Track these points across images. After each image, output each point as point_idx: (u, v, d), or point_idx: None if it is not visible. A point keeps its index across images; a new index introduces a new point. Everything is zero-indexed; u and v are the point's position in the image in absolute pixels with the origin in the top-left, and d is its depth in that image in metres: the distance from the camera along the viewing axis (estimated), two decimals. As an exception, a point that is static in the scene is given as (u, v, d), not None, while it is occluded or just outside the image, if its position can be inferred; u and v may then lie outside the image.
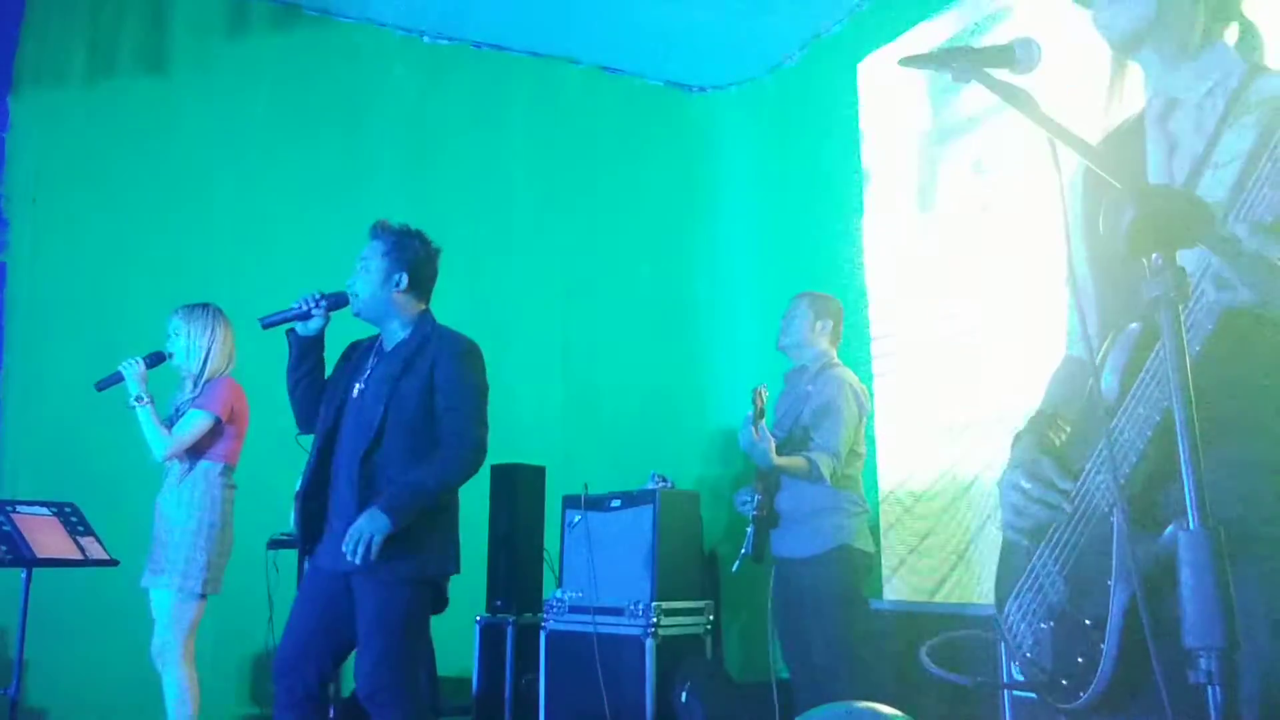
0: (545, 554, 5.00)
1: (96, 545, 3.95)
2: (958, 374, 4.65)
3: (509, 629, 4.81)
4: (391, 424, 2.95)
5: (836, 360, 3.87)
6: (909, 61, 1.34)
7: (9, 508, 3.87)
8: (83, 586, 4.26)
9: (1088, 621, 1.44)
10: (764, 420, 3.58)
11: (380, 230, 3.14)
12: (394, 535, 2.82)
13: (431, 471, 2.93)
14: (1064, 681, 1.47)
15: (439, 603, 3.07)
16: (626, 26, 6.04)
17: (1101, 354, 1.45)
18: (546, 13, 5.91)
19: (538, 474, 5.13)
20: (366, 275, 3.08)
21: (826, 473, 3.59)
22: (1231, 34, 1.49)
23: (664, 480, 4.81)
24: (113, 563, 3.96)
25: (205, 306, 4.01)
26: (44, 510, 3.96)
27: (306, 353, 3.13)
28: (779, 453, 3.60)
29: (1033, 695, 1.60)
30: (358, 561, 2.80)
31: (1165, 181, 1.44)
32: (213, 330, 3.95)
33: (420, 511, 2.89)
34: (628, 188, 6.43)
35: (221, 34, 5.63)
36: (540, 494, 5.10)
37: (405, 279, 3.06)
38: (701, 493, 4.88)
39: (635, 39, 6.18)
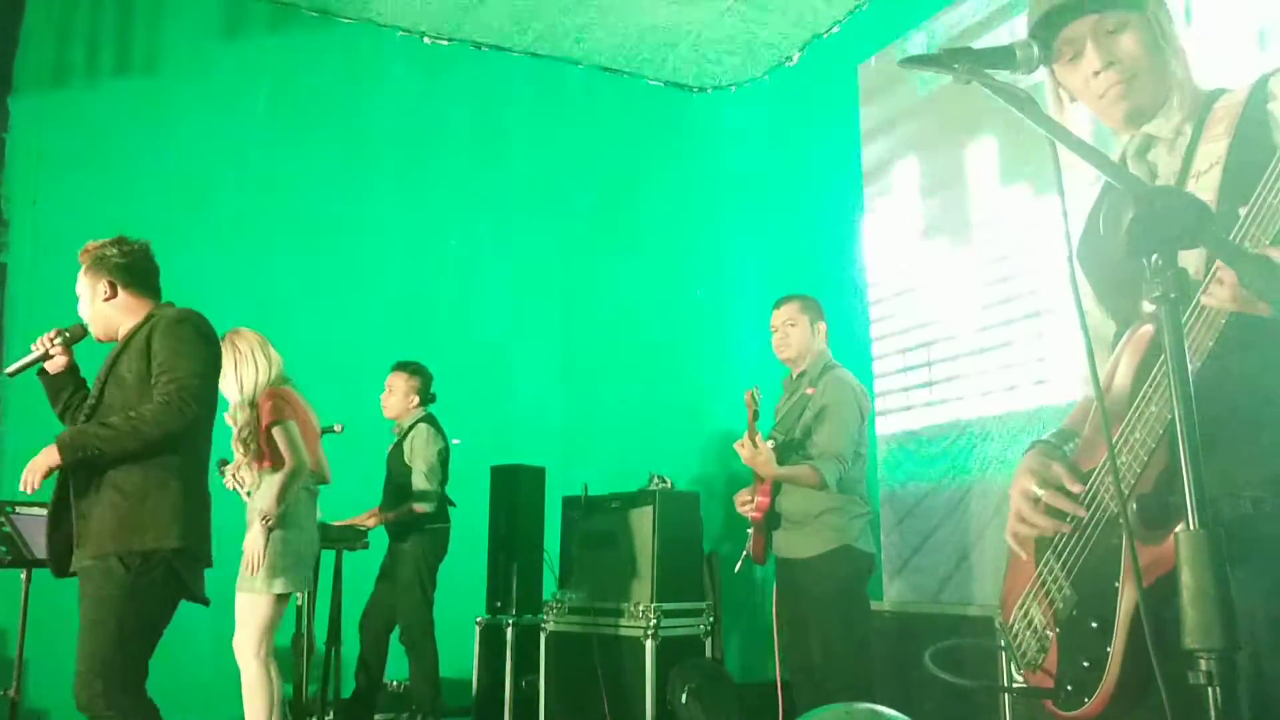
0: (545, 554, 4.99)
1: (96, 545, 3.94)
2: (958, 374, 4.65)
3: (509, 629, 4.81)
4: (108, 398, 2.93)
5: (835, 362, 3.86)
6: (909, 62, 1.34)
7: (9, 508, 3.87)
8: (82, 587, 4.25)
9: (1094, 625, 1.43)
10: (758, 422, 3.56)
11: (81, 255, 3.15)
12: (102, 511, 2.79)
13: (124, 418, 2.83)
14: (1069, 687, 1.47)
15: (179, 589, 2.88)
16: (626, 26, 6.04)
17: (1115, 354, 1.45)
18: (546, 13, 5.91)
19: (538, 474, 5.12)
20: (81, 300, 3.12)
21: (833, 480, 3.57)
22: (1180, 67, 1.55)
23: (663, 480, 4.80)
24: (113, 563, 3.95)
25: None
26: (44, 511, 3.96)
27: (60, 389, 3.14)
28: (780, 457, 3.59)
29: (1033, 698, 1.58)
30: (26, 490, 2.79)
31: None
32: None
33: (101, 451, 2.79)
34: (628, 188, 6.43)
35: (221, 34, 5.63)
36: (540, 494, 5.09)
37: (108, 287, 3.07)
38: (701, 493, 4.88)
39: (635, 39, 6.18)
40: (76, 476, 2.86)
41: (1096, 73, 1.52)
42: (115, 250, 3.12)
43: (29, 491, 2.82)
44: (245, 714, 3.89)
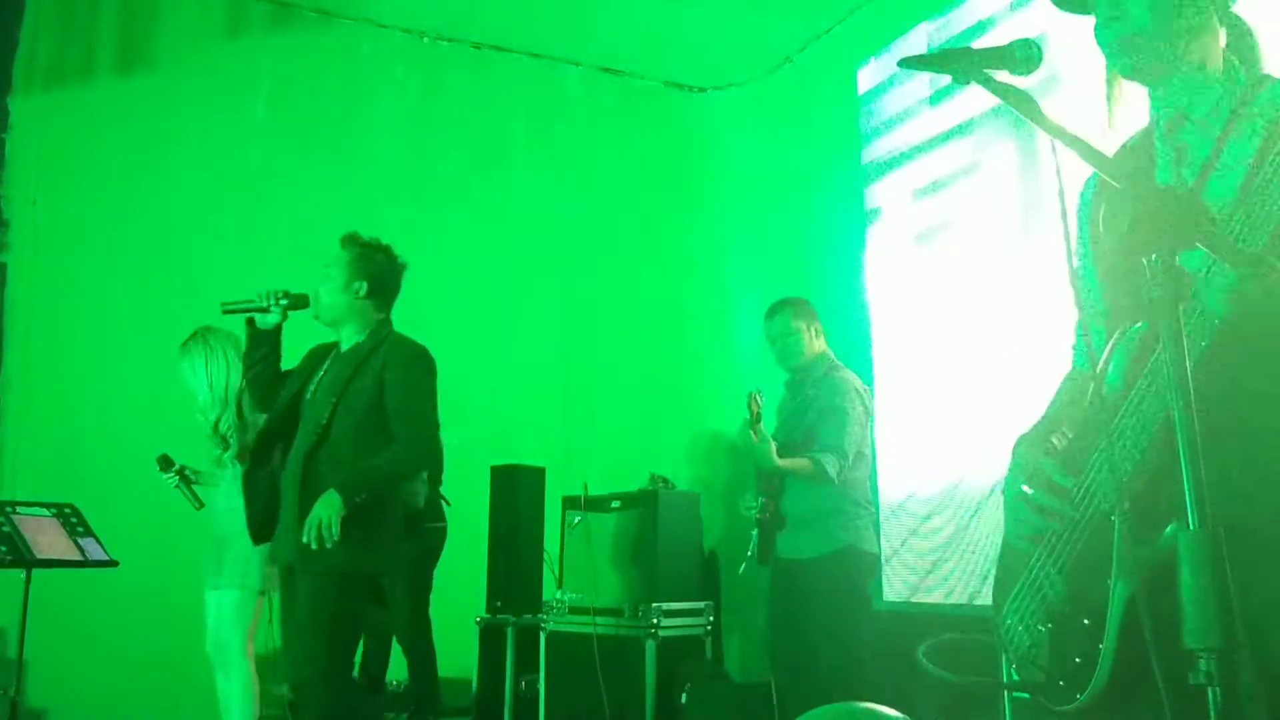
0: (545, 554, 4.99)
1: (96, 546, 3.95)
2: (959, 376, 4.65)
3: (509, 629, 4.81)
4: (339, 423, 3.07)
5: (838, 362, 3.85)
6: (909, 63, 1.34)
7: (9, 508, 3.87)
8: (83, 587, 4.26)
9: (1086, 620, 1.44)
10: (761, 424, 3.56)
11: (348, 241, 3.30)
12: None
13: (385, 459, 3.05)
14: (1061, 682, 1.47)
15: (379, 597, 3.14)
16: (626, 26, 6.04)
17: (1107, 352, 1.45)
18: (546, 13, 5.91)
19: (538, 474, 5.12)
20: (329, 281, 3.24)
21: (833, 471, 3.56)
22: (1220, 39, 1.50)
23: (663, 480, 4.81)
24: (112, 563, 3.96)
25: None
26: (44, 511, 3.96)
27: (259, 343, 3.32)
28: (783, 458, 3.59)
29: (1028, 696, 1.59)
30: (315, 546, 2.87)
31: (1173, 186, 1.44)
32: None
33: (372, 492, 3.01)
34: (627, 188, 6.43)
35: (221, 34, 5.62)
36: (540, 494, 5.09)
37: (365, 287, 3.21)
38: (701, 493, 4.88)
39: (635, 39, 6.18)
40: (306, 495, 2.98)
41: (1104, 25, 1.50)
42: (382, 256, 3.28)
43: (328, 544, 2.88)
44: (224, 717, 3.84)
